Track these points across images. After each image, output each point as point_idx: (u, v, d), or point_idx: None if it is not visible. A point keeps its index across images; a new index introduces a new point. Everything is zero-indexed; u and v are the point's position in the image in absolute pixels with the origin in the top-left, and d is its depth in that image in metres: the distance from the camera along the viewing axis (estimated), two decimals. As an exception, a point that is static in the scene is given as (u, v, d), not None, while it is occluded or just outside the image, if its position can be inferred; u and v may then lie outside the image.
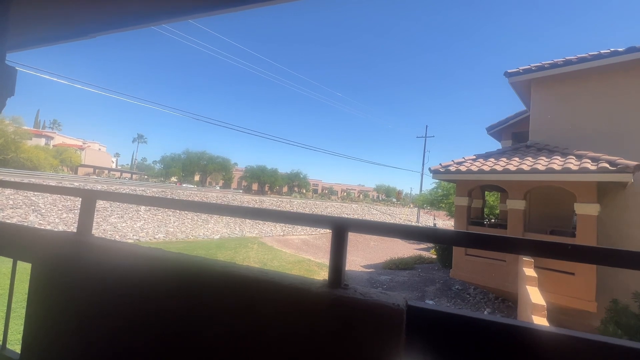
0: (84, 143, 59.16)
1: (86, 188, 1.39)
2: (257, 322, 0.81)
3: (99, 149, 62.37)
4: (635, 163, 5.67)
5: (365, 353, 0.69)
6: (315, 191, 68.64)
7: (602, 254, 0.64)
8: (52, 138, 51.95)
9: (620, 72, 7.34)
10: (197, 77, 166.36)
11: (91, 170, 46.20)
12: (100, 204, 15.78)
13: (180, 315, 0.91)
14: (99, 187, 18.90)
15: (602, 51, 7.40)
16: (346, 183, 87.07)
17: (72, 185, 16.91)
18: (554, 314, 5.70)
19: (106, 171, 49.36)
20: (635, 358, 0.56)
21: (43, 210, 13.92)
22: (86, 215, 1.21)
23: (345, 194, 74.30)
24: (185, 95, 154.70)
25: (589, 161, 6.18)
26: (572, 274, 6.00)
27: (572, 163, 6.24)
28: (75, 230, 1.22)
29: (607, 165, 5.78)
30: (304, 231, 21.13)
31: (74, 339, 1.07)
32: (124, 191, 19.09)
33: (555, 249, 0.67)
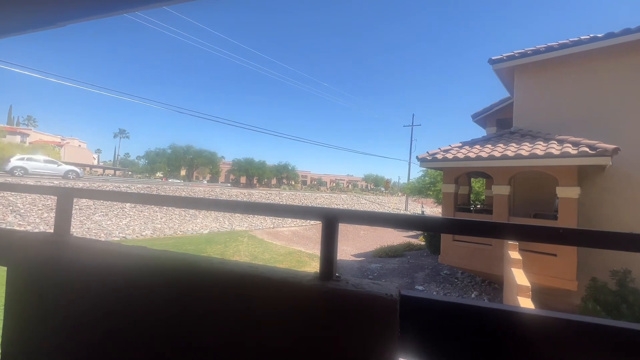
0: (62, 140, 57.09)
1: (61, 186, 1.30)
2: (249, 318, 0.79)
3: (79, 146, 60.27)
4: (613, 146, 5.86)
5: (360, 345, 0.68)
6: (304, 182, 68.55)
7: (588, 236, 0.65)
8: (27, 135, 49.87)
9: (599, 58, 7.50)
10: (180, 69, 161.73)
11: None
12: (84, 201, 15.34)
13: (167, 314, 0.88)
14: (80, 184, 18.32)
15: (582, 37, 7.54)
16: (335, 173, 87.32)
17: (51, 184, 16.33)
18: (538, 294, 5.92)
19: (88, 168, 47.88)
20: (613, 335, 0.58)
21: (22, 211, 13.41)
22: (63, 214, 1.15)
23: (334, 184, 74.57)
24: (168, 89, 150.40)
25: (570, 146, 6.34)
26: (555, 255, 6.22)
27: (554, 148, 6.39)
28: (52, 231, 1.16)
29: (587, 149, 5.95)
30: (294, 223, 21.15)
31: (55, 344, 1.03)
32: (107, 188, 18.58)
33: (543, 233, 0.67)
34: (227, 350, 0.81)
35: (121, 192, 1.17)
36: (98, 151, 77.00)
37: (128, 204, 16.41)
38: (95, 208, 15.42)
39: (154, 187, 22.69)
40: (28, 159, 20.92)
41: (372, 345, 0.67)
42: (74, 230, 13.64)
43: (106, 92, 21.62)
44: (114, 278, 0.98)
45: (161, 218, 16.79)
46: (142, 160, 54.55)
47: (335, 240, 0.79)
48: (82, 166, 46.71)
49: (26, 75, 15.21)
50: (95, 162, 64.42)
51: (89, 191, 1.19)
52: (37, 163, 21.01)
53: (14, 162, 20.12)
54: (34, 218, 13.35)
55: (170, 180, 41.02)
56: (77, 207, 14.85)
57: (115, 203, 16.16)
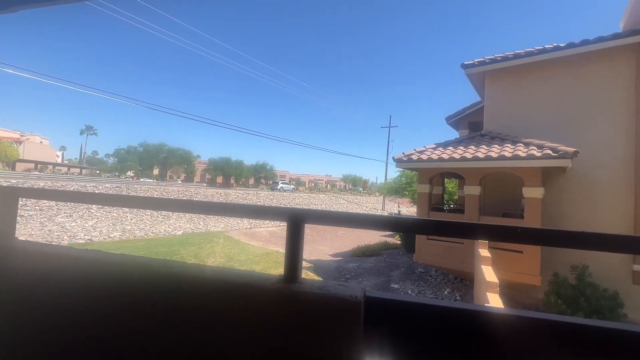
0: (21, 135, 53.33)
1: (4, 184, 1.19)
2: (212, 323, 0.75)
3: (41, 142, 56.48)
4: (573, 149, 6.25)
5: (325, 347, 0.67)
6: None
7: (547, 235, 0.69)
8: (-19, 130, 46.06)
9: (561, 66, 7.98)
10: (155, 65, 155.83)
11: (32, 165, 41.84)
12: (45, 202, 14.36)
13: (125, 322, 0.82)
14: (41, 184, 17.14)
15: (546, 46, 7.99)
16: (314, 174, 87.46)
17: (7, 183, 15.17)
18: (505, 289, 6.20)
19: (50, 166, 44.98)
20: (568, 330, 0.61)
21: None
22: (6, 216, 1.05)
23: (313, 184, 74.68)
24: (141, 86, 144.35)
25: (535, 148, 6.70)
26: (521, 252, 6.55)
27: (521, 150, 6.73)
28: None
29: (550, 152, 6.31)
30: (272, 223, 20.91)
31: None
32: (71, 188, 17.50)
33: (508, 233, 0.69)
34: (189, 356, 0.76)
35: (73, 192, 1.08)
36: (62, 148, 72.44)
37: (95, 205, 15.54)
38: (58, 209, 14.49)
39: (124, 186, 21.68)
40: (284, 183, 47.98)
41: (337, 347, 0.67)
42: (32, 233, 12.74)
43: (71, 85, 20.38)
44: (64, 284, 0.90)
45: (131, 219, 16.05)
46: (111, 158, 52.05)
47: (301, 241, 0.77)
48: (44, 164, 43.87)
49: (-21, 65, 13.99)
50: (60, 160, 60.58)
51: (37, 190, 1.09)
52: (285, 184, 46.85)
53: (280, 184, 44.98)
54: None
55: (142, 180, 39.36)
56: (37, 207, 13.89)
57: (80, 203, 15.25)
